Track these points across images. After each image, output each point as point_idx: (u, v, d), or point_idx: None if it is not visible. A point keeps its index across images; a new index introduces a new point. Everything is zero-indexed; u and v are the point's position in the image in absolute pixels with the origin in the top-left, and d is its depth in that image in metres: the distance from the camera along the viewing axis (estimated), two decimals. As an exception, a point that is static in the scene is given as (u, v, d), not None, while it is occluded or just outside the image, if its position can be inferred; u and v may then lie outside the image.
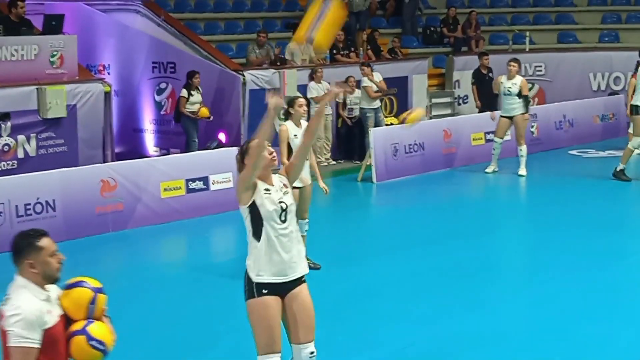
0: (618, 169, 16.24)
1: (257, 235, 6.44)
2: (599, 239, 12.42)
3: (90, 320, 5.41)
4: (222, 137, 16.91)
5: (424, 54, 22.68)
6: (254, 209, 6.41)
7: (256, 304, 6.42)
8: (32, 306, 5.12)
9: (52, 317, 5.21)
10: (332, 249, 11.49)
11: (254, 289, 6.43)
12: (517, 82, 16.56)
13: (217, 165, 14.12)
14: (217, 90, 16.88)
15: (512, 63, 16.73)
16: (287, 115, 10.69)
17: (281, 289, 6.46)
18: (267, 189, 6.44)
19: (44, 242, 5.23)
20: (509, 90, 16.58)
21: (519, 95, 16.56)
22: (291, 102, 10.65)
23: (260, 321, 6.40)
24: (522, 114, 16.69)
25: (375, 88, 18.23)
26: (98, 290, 5.52)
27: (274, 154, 6.51)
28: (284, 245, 6.44)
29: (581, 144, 20.15)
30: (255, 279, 6.42)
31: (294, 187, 10.58)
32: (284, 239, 6.44)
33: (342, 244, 12.24)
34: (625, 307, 9.62)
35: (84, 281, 5.51)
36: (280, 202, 6.45)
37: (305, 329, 6.57)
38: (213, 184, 14.01)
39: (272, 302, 6.42)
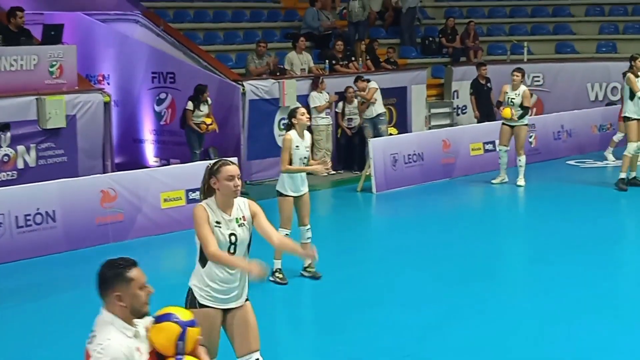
0: (619, 178, 16.28)
1: (203, 262, 6.49)
2: (597, 248, 12.46)
3: (179, 357, 5.05)
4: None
5: (422, 64, 22.72)
6: None
7: (196, 314, 6.28)
8: (120, 345, 4.77)
9: (141, 356, 4.90)
10: (331, 259, 11.48)
11: (196, 304, 6.49)
12: (519, 93, 16.57)
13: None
14: (217, 100, 16.89)
15: (516, 73, 16.75)
16: (290, 126, 10.77)
17: (222, 310, 6.56)
18: (217, 222, 6.43)
19: (134, 273, 4.85)
20: (512, 101, 16.59)
21: (521, 105, 16.58)
22: (293, 112, 10.77)
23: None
24: (525, 125, 16.71)
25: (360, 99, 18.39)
26: (188, 324, 5.13)
27: (239, 186, 6.45)
28: (227, 278, 6.47)
29: (579, 154, 20.18)
30: (199, 298, 6.50)
31: (290, 196, 10.76)
32: (229, 272, 6.46)
33: (342, 253, 12.26)
34: (625, 315, 9.64)
35: (173, 314, 5.12)
36: (231, 235, 6.45)
37: (245, 340, 6.59)
38: (213, 194, 14.00)
39: (212, 312, 6.50)
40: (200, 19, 21.09)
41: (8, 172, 14.06)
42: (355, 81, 18.55)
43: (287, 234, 10.75)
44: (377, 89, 18.51)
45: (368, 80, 18.61)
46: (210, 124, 16.32)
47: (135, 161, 17.22)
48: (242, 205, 6.57)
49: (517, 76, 16.68)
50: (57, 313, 10.13)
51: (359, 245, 13.29)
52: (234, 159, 14.34)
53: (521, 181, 16.85)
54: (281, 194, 10.91)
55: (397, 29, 24.05)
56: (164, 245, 13.13)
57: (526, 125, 16.80)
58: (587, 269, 11.48)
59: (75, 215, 12.58)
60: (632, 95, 15.91)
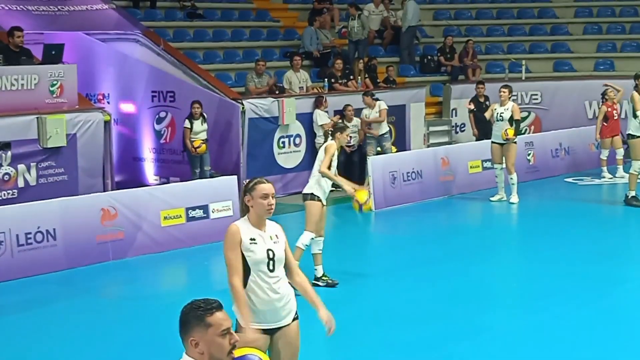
0: (629, 196, 16.33)
1: (244, 279, 6.44)
2: (595, 266, 12.49)
3: None
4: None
5: (421, 82, 22.81)
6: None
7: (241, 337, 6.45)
8: None
9: None
10: (331, 276, 11.54)
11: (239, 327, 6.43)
12: (508, 108, 16.69)
13: (217, 193, 14.21)
14: (217, 118, 16.97)
15: (503, 89, 16.91)
16: (333, 137, 11.28)
17: (269, 331, 6.48)
18: (252, 239, 6.42)
19: (215, 318, 4.40)
20: (500, 117, 16.71)
21: (511, 121, 16.66)
22: (341, 129, 11.35)
23: None
24: (514, 143, 16.78)
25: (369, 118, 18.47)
26: None
27: (273, 205, 6.45)
28: (268, 299, 6.43)
29: (577, 172, 20.24)
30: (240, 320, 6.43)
31: (320, 200, 10.97)
32: (274, 287, 6.44)
33: (341, 271, 12.27)
34: (624, 333, 9.68)
35: (253, 356, 4.95)
36: (268, 251, 6.43)
37: None
38: (213, 212, 14.08)
39: (257, 336, 6.38)
40: (199, 38, 21.20)
41: (8, 191, 14.10)
42: (365, 94, 18.66)
43: (313, 238, 11.22)
44: (386, 109, 18.64)
45: (377, 99, 18.70)
46: (199, 147, 16.37)
47: (135, 179, 17.28)
48: (274, 226, 6.58)
49: (504, 92, 16.83)
50: (55, 328, 10.16)
51: (357, 262, 13.33)
52: (234, 177, 14.52)
53: (514, 198, 16.91)
54: (313, 197, 11.18)
55: (396, 48, 24.17)
56: (164, 263, 13.17)
57: (515, 143, 16.87)
58: (586, 285, 11.51)
59: (76, 234, 12.63)
60: (635, 114, 16.03)
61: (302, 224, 11.38)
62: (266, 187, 6.44)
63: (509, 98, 16.84)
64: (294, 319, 6.59)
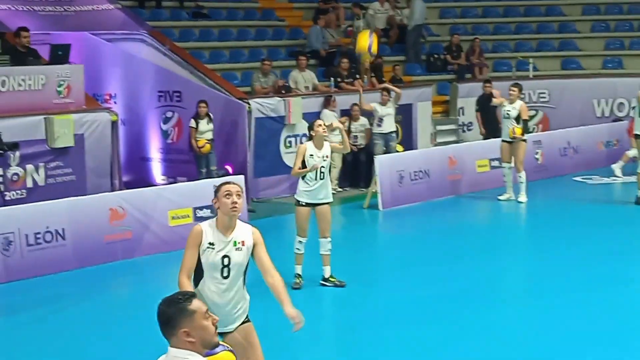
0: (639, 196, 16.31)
1: (196, 280, 6.58)
2: (603, 265, 12.47)
3: None
4: (228, 169, 16.95)
5: (427, 81, 22.77)
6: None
7: None
8: None
9: None
10: (339, 276, 11.52)
11: None
12: (516, 107, 16.64)
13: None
14: (223, 118, 16.95)
15: (512, 88, 16.87)
16: (310, 137, 11.27)
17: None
18: (211, 244, 6.49)
19: (195, 304, 4.57)
20: (507, 114, 16.68)
21: (518, 119, 16.61)
22: (311, 125, 11.33)
23: None
24: (523, 141, 16.74)
25: (379, 115, 18.42)
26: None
27: (237, 203, 6.46)
28: (216, 303, 6.45)
29: (585, 171, 20.18)
30: None
31: (305, 204, 10.89)
32: (220, 297, 6.49)
33: (349, 271, 12.25)
34: (631, 332, 9.65)
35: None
36: (224, 257, 6.48)
37: None
38: (220, 211, 14.03)
39: None
40: (205, 38, 21.17)
41: (17, 191, 14.10)
42: (385, 90, 18.70)
43: (300, 241, 11.27)
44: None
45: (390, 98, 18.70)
46: (203, 146, 16.34)
47: (143, 179, 17.26)
48: (246, 231, 6.61)
49: (513, 91, 16.80)
50: (64, 327, 10.17)
51: (365, 262, 13.31)
52: (241, 177, 14.50)
53: (522, 197, 16.87)
54: (297, 202, 11.27)
55: (402, 46, 24.12)
56: (172, 262, 13.06)
57: (524, 141, 16.83)
58: (594, 285, 11.49)
59: (84, 233, 12.64)
60: None
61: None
62: (229, 186, 6.50)
63: (518, 97, 16.79)
64: (242, 322, 6.64)
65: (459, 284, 11.66)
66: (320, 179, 11.17)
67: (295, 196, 11.36)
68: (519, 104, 16.71)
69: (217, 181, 14.81)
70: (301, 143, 11.52)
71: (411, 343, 9.41)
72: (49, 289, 11.71)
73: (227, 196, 6.46)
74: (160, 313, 4.57)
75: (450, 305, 10.75)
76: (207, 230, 6.51)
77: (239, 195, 6.50)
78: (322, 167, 11.13)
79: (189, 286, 6.39)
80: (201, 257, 6.48)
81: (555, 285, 11.53)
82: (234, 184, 6.57)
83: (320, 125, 11.20)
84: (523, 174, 16.81)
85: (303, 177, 11.18)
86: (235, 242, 6.51)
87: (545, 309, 10.61)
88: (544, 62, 24.88)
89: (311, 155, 11.09)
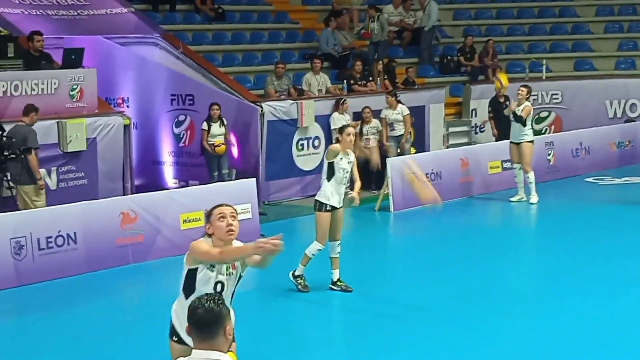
0: None
1: (187, 292, 6.34)
2: (615, 265, 12.49)
3: None
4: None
5: (441, 83, 22.77)
6: (192, 273, 6.30)
7: (171, 347, 6.42)
8: None
9: None
10: (351, 278, 11.56)
11: (172, 334, 6.44)
12: (521, 108, 16.68)
13: (236, 196, 14.20)
14: (236, 121, 17.01)
15: (521, 88, 16.94)
16: (338, 141, 11.28)
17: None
18: (212, 266, 6.24)
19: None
20: (513, 116, 16.75)
21: (523, 121, 16.64)
22: (341, 129, 11.31)
23: None
24: (528, 142, 16.77)
25: (389, 120, 18.43)
26: None
27: (233, 226, 6.20)
28: None
29: (598, 171, 20.16)
30: (180, 332, 6.33)
31: (337, 209, 10.90)
32: None
33: (361, 272, 12.30)
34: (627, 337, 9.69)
35: None
36: (217, 283, 6.26)
37: None
38: (232, 215, 14.07)
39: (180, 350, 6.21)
40: (218, 41, 21.24)
41: (29, 195, 14.17)
42: (388, 94, 18.70)
43: (320, 249, 11.19)
44: (409, 114, 18.68)
45: (400, 101, 18.69)
46: (218, 146, 16.40)
47: (155, 183, 17.33)
48: None
49: (522, 91, 16.83)
50: (76, 330, 10.22)
51: (377, 264, 13.35)
52: (253, 180, 14.56)
53: (534, 198, 16.87)
54: (320, 206, 11.16)
55: (415, 48, 24.14)
56: (183, 266, 13.18)
57: (530, 142, 16.84)
58: (605, 285, 11.52)
59: (96, 237, 12.70)
60: None
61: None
62: (223, 209, 6.21)
63: (526, 98, 16.80)
64: None
65: (469, 285, 11.69)
66: (344, 184, 11.23)
67: (321, 200, 11.16)
68: (525, 104, 16.73)
69: (234, 184, 15.00)
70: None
71: (422, 345, 9.46)
72: (61, 292, 11.78)
73: (221, 219, 6.18)
74: (208, 312, 4.63)
75: (461, 307, 10.78)
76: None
77: (233, 216, 6.21)
78: (347, 171, 11.14)
79: (230, 247, 6.16)
80: (198, 273, 6.25)
81: (567, 286, 11.56)
82: (227, 205, 6.27)
83: (350, 134, 11.11)
84: (531, 175, 16.82)
85: (330, 180, 11.10)
86: (227, 267, 6.29)
87: (557, 310, 10.62)
88: (557, 63, 24.86)
89: (341, 158, 11.08)
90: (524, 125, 16.78)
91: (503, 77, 18.40)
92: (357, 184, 11.31)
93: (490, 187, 18.07)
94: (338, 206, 11.18)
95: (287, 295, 11.25)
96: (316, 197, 11.28)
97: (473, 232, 15.25)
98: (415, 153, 18.85)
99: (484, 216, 16.74)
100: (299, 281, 11.37)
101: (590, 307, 10.65)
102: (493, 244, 14.30)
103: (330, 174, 11.10)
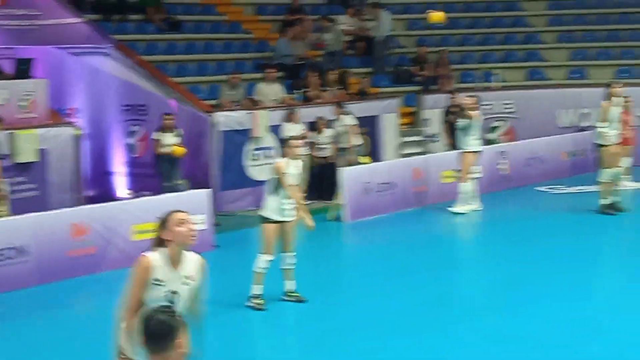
0: (603, 204, 16.48)
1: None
2: (565, 273, 12.62)
3: None
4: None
5: (394, 93, 22.81)
6: None
7: None
8: None
9: None
10: (304, 289, 11.55)
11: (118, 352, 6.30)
12: (466, 117, 16.86)
13: (190, 206, 14.06)
14: (189, 131, 16.95)
15: (465, 98, 17.16)
16: (285, 154, 11.30)
17: None
18: (158, 280, 6.05)
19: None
20: (459, 126, 16.93)
21: (469, 129, 16.77)
22: (286, 142, 11.54)
23: None
24: (467, 152, 16.92)
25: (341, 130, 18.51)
26: None
27: (193, 231, 6.11)
28: None
29: (550, 180, 20.31)
30: (129, 353, 6.16)
31: (276, 222, 10.85)
32: None
33: (314, 283, 12.29)
34: (591, 342, 9.75)
35: None
36: (173, 293, 6.08)
37: None
38: (185, 226, 13.98)
39: None
40: (171, 51, 21.11)
41: (-20, 207, 14.02)
42: (336, 105, 18.71)
43: (269, 260, 11.05)
44: (355, 124, 18.68)
45: (347, 112, 18.71)
46: (173, 150, 16.31)
47: (107, 194, 17.22)
48: (194, 265, 6.21)
49: (466, 101, 17.09)
50: (28, 343, 10.15)
51: (331, 275, 13.38)
52: (207, 191, 14.50)
53: (458, 208, 16.97)
54: (264, 219, 11.07)
55: (369, 58, 24.19)
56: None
57: (470, 152, 16.94)
58: (555, 292, 11.64)
59: (48, 249, 12.60)
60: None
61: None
62: (181, 214, 6.11)
63: (474, 108, 16.91)
64: None
65: (426, 295, 11.75)
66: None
67: (264, 214, 11.13)
68: (474, 113, 16.85)
69: (188, 194, 14.89)
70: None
71: (378, 355, 9.47)
72: (12, 305, 11.67)
73: (181, 224, 6.06)
74: (160, 325, 4.59)
75: (420, 316, 10.84)
76: (156, 264, 6.07)
77: (193, 222, 6.16)
78: (295, 184, 11.13)
79: (129, 326, 5.98)
80: (144, 292, 6.07)
81: (518, 295, 11.66)
82: (182, 211, 6.17)
83: (293, 146, 11.18)
84: (464, 185, 16.95)
85: (274, 194, 11.03)
86: (185, 276, 6.14)
87: (508, 318, 10.71)
88: (509, 73, 25.02)
89: (288, 168, 11.07)
90: (468, 134, 16.90)
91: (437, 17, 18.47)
92: (301, 208, 11.27)
93: (444, 197, 18.11)
94: (285, 219, 11.10)
95: (241, 308, 11.18)
96: (260, 212, 11.24)
97: (427, 242, 15.31)
98: (369, 163, 18.87)
99: (436, 226, 16.77)
100: (254, 301, 11.18)
101: (541, 313, 10.76)
102: (447, 253, 14.38)
103: (275, 188, 11.06)
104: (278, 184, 11.02)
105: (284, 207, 11.03)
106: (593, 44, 25.82)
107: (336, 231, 16.31)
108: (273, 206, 11.06)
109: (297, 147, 11.22)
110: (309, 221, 11.32)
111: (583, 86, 23.50)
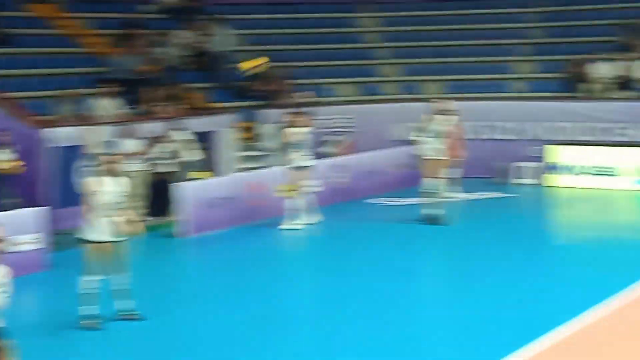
0: (427, 215, 17.01)
1: None
2: (390, 283, 13.16)
3: None
4: None
5: (232, 107, 22.87)
6: None
7: None
8: None
9: None
10: (137, 308, 11.52)
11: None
12: (296, 132, 17.32)
13: (25, 226, 13.89)
14: (19, 148, 16.56)
15: (294, 114, 17.58)
16: (102, 171, 11.05)
17: None
18: None
19: None
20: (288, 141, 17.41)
21: (287, 147, 17.26)
22: (99, 157, 11.22)
23: None
24: (291, 167, 17.43)
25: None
26: None
27: (2, 243, 6.20)
28: None
29: (382, 193, 20.80)
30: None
31: (106, 242, 10.69)
32: None
33: (150, 301, 12.23)
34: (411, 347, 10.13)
35: None
36: None
37: None
38: (20, 244, 13.66)
39: None
40: (3, 66, 20.49)
41: None
42: (170, 121, 18.69)
43: (95, 280, 10.91)
44: (189, 139, 18.73)
45: (182, 128, 18.71)
46: (7, 168, 16.01)
47: None
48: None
49: (294, 117, 17.51)
50: None
51: (164, 292, 13.35)
52: (42, 209, 14.21)
53: (286, 225, 17.40)
54: (86, 241, 10.94)
55: (206, 73, 24.19)
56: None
57: (296, 168, 17.36)
58: (377, 304, 12.13)
59: None
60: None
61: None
62: None
63: (298, 124, 17.22)
64: None
65: (256, 310, 11.94)
66: (113, 209, 10.97)
67: (80, 234, 10.93)
68: (297, 130, 17.20)
69: (22, 213, 14.49)
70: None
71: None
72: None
73: None
74: None
75: (251, 331, 11.04)
76: None
77: (1, 240, 6.24)
78: (115, 203, 10.91)
79: None
80: None
81: (348, 305, 12.08)
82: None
83: (107, 162, 10.99)
84: (291, 202, 17.31)
85: (91, 213, 10.82)
86: None
87: (337, 329, 11.05)
88: (344, 87, 25.44)
89: (99, 191, 10.83)
90: (296, 150, 17.22)
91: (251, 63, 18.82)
92: (128, 224, 11.10)
93: (280, 211, 18.28)
94: (106, 239, 10.95)
95: (77, 328, 11.07)
96: (77, 234, 11.01)
97: (263, 257, 15.51)
98: (207, 178, 18.90)
99: (272, 241, 16.90)
100: (86, 322, 11.04)
101: (363, 324, 11.18)
102: (283, 268, 14.62)
103: (91, 207, 10.85)
104: (94, 203, 10.79)
105: (101, 227, 10.85)
106: (426, 60, 26.48)
107: (170, 247, 16.28)
108: (91, 226, 10.85)
109: (114, 162, 10.99)
110: (135, 231, 11.16)
111: (414, 100, 24.06)
